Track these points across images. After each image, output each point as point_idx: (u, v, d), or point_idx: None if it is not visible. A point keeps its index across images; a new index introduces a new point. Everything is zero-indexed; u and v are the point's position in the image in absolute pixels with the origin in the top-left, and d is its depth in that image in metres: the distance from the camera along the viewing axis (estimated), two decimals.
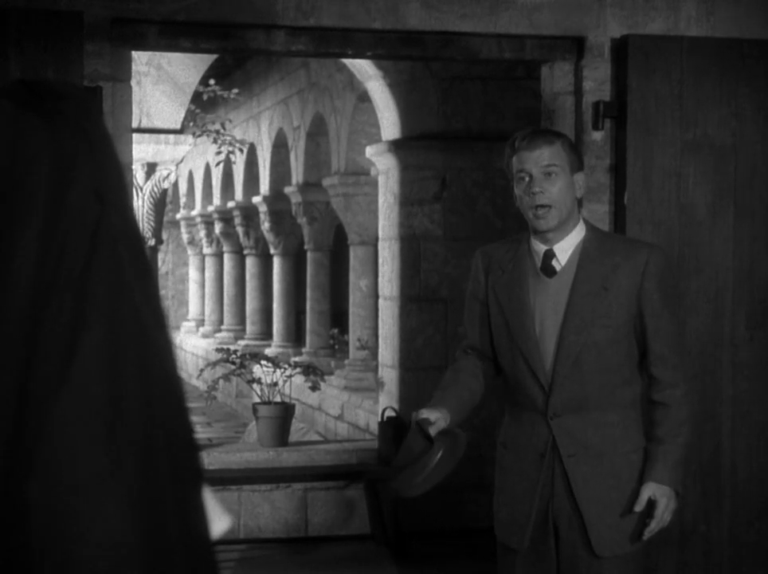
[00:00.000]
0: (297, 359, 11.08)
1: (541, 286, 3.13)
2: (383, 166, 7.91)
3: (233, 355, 7.13)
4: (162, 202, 7.77)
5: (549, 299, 3.12)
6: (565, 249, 3.12)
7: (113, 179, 1.15)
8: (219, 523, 1.23)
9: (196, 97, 9.68)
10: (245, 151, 13.15)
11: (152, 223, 7.56)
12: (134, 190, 7.18)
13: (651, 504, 3.04)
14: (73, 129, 1.12)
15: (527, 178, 3.07)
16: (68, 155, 1.11)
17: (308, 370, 7.09)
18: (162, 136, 7.76)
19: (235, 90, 11.74)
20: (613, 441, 3.11)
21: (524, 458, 3.16)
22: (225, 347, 7.77)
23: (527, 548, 3.16)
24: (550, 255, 3.12)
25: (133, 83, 4.56)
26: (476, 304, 3.28)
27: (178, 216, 19.57)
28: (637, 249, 3.14)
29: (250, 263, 15.48)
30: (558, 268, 3.12)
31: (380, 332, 8.12)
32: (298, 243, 13.47)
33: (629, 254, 3.10)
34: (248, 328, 15.64)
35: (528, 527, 3.14)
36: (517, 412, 3.20)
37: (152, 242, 7.57)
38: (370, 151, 8.28)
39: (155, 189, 7.67)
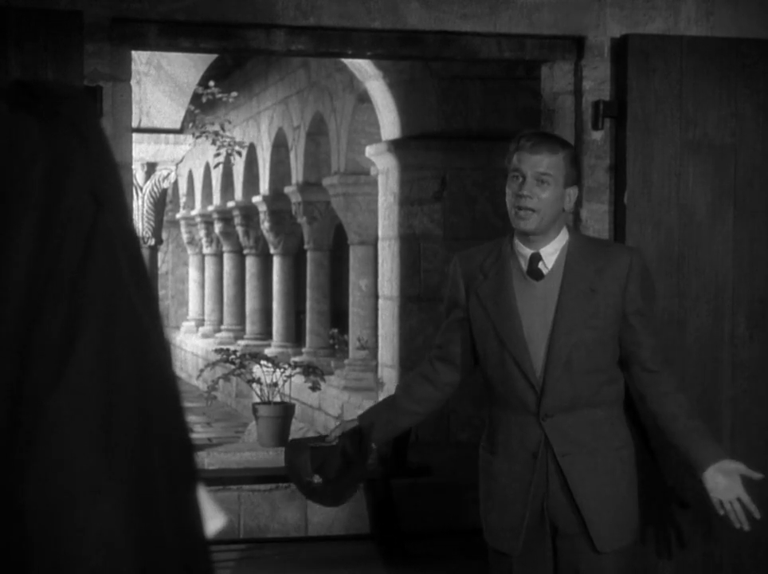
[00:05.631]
0: (297, 359, 11.08)
1: (527, 290, 3.16)
2: (383, 166, 7.91)
3: (233, 355, 7.13)
4: (161, 202, 7.77)
5: (536, 302, 3.15)
6: (550, 252, 3.16)
7: (109, 180, 1.14)
8: (213, 522, 1.23)
9: (196, 98, 9.68)
10: (243, 153, 13.15)
11: (152, 223, 7.56)
12: (134, 189, 7.18)
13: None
14: (69, 130, 1.12)
15: (519, 179, 3.11)
16: (63, 157, 1.11)
17: (308, 370, 7.09)
18: (162, 136, 7.76)
19: (234, 93, 11.74)
20: (603, 437, 3.18)
21: (515, 461, 3.18)
22: (224, 347, 7.78)
23: (522, 552, 3.17)
24: (536, 258, 3.15)
25: (133, 83, 4.56)
26: (456, 310, 3.29)
27: (178, 216, 19.56)
28: (619, 253, 3.23)
29: (250, 263, 15.47)
30: (545, 271, 3.15)
31: (380, 331, 8.12)
32: (298, 243, 13.47)
33: (612, 258, 3.18)
34: (248, 327, 15.63)
35: (522, 530, 3.16)
36: (505, 416, 3.22)
37: (152, 242, 7.57)
38: (369, 150, 8.29)
39: (155, 189, 7.67)
